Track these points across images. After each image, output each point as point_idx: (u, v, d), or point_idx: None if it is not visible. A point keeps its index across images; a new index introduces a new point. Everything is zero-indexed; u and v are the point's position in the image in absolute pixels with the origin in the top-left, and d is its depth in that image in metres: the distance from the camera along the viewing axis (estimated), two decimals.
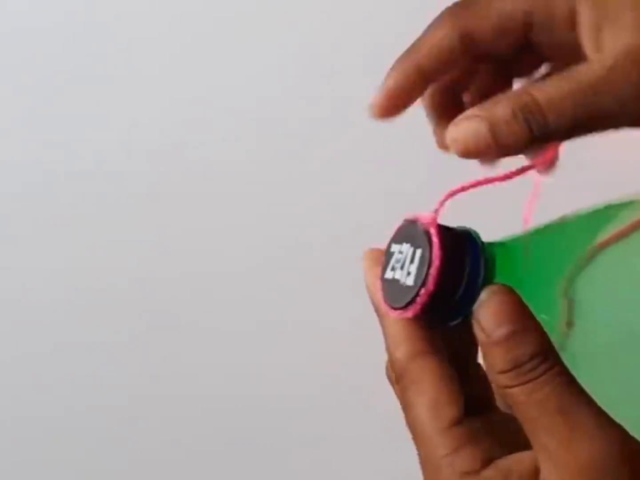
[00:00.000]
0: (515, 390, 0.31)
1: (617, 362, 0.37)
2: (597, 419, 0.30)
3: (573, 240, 0.37)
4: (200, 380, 0.65)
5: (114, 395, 0.66)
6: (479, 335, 0.31)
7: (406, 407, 0.34)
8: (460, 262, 0.32)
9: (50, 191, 0.68)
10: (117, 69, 0.68)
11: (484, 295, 0.31)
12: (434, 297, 0.32)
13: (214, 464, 0.65)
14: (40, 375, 0.67)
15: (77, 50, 0.68)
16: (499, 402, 0.36)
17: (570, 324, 0.37)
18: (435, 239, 0.31)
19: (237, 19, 0.68)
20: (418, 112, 0.56)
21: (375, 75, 0.67)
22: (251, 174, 0.67)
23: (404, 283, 0.32)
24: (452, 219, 0.37)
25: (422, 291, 0.32)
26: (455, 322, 0.33)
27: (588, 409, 0.30)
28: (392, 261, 0.33)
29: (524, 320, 0.31)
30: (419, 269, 0.32)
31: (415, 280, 0.32)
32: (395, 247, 0.33)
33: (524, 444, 0.32)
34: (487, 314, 0.31)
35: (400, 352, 0.34)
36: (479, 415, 0.34)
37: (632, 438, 0.31)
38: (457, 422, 0.33)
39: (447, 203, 0.34)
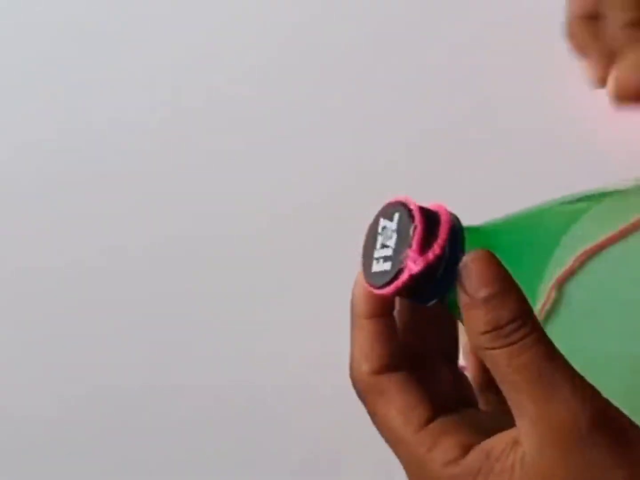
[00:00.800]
0: (495, 352, 0.32)
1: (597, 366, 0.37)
2: (574, 383, 0.31)
3: (559, 230, 0.37)
4: (197, 371, 0.65)
5: (110, 390, 0.66)
6: (462, 297, 0.32)
7: (377, 418, 0.35)
8: (433, 275, 0.33)
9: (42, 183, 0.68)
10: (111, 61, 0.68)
11: (468, 258, 0.32)
12: (399, 294, 0.33)
13: (209, 456, 0.65)
14: (39, 371, 0.67)
15: (76, 50, 0.68)
16: (481, 403, 0.38)
17: (549, 313, 0.38)
18: (410, 271, 0.32)
19: (234, 18, 0.68)
20: (416, 113, 0.57)
21: (374, 72, 0.67)
22: (247, 172, 0.67)
23: (378, 263, 0.34)
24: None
25: (389, 288, 0.33)
26: (431, 303, 0.34)
27: (566, 374, 0.31)
28: (381, 227, 0.34)
29: (506, 284, 0.32)
30: (391, 270, 0.33)
31: (384, 275, 0.33)
32: (383, 222, 0.34)
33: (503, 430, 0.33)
34: (471, 277, 0.32)
35: (366, 367, 0.35)
36: (458, 411, 0.35)
37: (610, 404, 0.32)
38: (430, 420, 0.34)
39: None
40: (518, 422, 0.32)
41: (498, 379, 0.32)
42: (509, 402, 0.32)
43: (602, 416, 0.31)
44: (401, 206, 0.33)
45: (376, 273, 0.33)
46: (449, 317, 0.37)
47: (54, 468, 0.67)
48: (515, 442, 0.32)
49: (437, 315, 0.36)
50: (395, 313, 0.36)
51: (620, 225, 0.38)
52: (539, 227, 0.36)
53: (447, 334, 0.37)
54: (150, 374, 0.66)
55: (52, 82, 0.68)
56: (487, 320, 0.32)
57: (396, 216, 0.34)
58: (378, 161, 0.64)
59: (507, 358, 0.31)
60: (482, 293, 0.32)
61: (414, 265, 0.32)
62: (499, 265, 0.32)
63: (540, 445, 0.31)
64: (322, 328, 0.62)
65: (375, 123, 0.65)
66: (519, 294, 0.32)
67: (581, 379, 0.32)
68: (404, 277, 0.32)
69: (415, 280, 0.32)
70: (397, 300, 0.36)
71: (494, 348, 0.32)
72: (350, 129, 0.65)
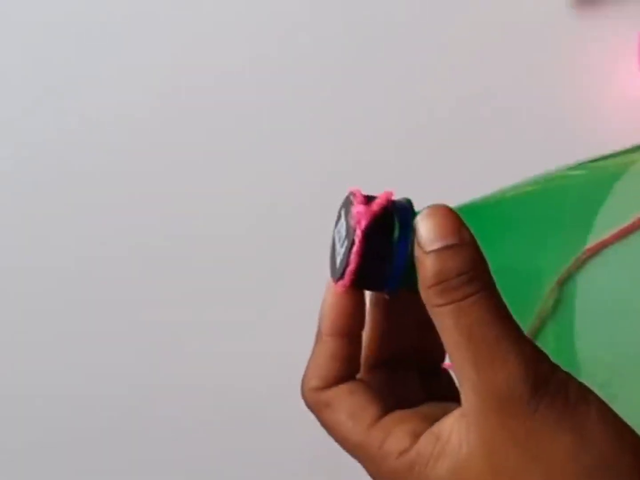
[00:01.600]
0: (442, 310, 0.31)
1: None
2: (519, 348, 0.30)
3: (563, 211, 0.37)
4: (197, 371, 0.65)
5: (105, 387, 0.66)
6: (416, 250, 0.31)
7: (329, 430, 0.34)
8: (385, 243, 0.32)
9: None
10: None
11: (424, 212, 0.31)
12: (358, 276, 0.33)
13: (209, 457, 0.65)
14: (38, 372, 0.67)
15: (76, 49, 0.68)
16: None
17: (549, 313, 0.38)
18: (358, 232, 0.32)
19: (231, 17, 0.68)
20: (409, 109, 0.56)
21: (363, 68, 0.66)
22: (244, 172, 0.66)
23: (338, 257, 0.34)
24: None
25: (347, 270, 0.33)
26: (393, 292, 0.33)
27: (512, 337, 0.30)
28: (336, 232, 0.34)
29: (460, 238, 0.31)
30: (345, 249, 0.33)
31: (342, 261, 0.33)
32: (340, 222, 0.34)
33: None
34: (425, 229, 0.31)
35: (314, 383, 0.34)
36: (421, 405, 0.34)
37: (555, 367, 0.31)
38: (380, 418, 0.33)
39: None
40: (461, 388, 0.31)
41: (444, 341, 0.31)
42: (453, 368, 0.31)
43: (544, 381, 0.30)
44: (343, 207, 0.34)
45: (339, 263, 0.33)
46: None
47: (55, 468, 0.67)
48: (462, 415, 0.31)
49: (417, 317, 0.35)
50: (367, 321, 0.35)
51: (621, 224, 0.38)
52: (545, 203, 0.36)
53: (428, 335, 0.36)
54: (151, 374, 0.66)
55: (52, 82, 0.68)
56: (434, 272, 0.31)
57: (342, 213, 0.34)
58: (372, 160, 0.64)
59: (453, 317, 0.30)
60: (435, 245, 0.31)
61: (362, 219, 0.32)
62: (456, 218, 0.31)
63: (482, 413, 0.30)
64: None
65: (371, 121, 0.65)
66: (475, 250, 0.31)
67: (527, 342, 0.31)
68: (359, 236, 0.32)
69: (369, 238, 0.32)
70: (368, 310, 0.36)
71: (440, 305, 0.31)
72: (346, 123, 0.65)
